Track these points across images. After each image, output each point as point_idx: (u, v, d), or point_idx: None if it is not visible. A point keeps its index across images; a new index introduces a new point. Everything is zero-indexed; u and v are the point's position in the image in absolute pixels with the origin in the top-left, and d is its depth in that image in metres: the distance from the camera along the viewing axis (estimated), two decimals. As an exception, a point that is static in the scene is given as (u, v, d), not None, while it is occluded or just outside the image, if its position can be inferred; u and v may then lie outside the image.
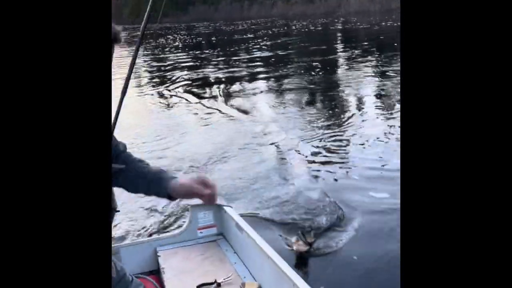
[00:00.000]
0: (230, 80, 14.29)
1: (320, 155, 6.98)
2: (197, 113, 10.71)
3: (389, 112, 9.15)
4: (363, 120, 8.59)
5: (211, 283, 2.56)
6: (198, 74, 16.17)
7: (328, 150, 7.10)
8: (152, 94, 13.73)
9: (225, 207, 3.08)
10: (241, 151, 7.41)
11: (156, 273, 2.68)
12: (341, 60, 16.66)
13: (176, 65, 18.65)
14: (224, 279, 2.58)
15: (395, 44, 18.63)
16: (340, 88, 12.08)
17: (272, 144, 7.70)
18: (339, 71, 14.65)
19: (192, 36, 25.17)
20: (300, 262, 3.76)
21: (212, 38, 23.47)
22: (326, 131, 8.14)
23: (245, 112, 10.26)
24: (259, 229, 3.72)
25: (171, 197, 1.97)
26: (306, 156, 6.92)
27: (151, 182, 1.90)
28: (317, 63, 15.93)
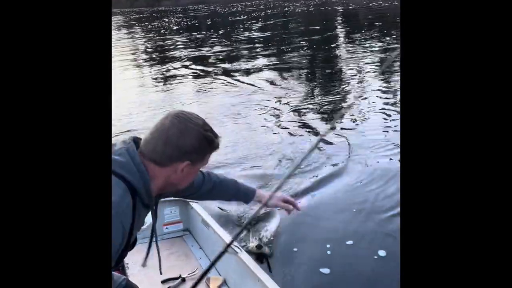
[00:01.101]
0: (229, 58, 14.41)
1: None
2: (197, 88, 11.25)
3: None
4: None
5: (176, 278, 2.62)
6: (196, 53, 16.15)
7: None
8: (151, 72, 14.11)
9: (191, 203, 3.11)
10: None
11: (120, 268, 2.66)
12: (339, 39, 16.58)
13: (173, 45, 18.55)
14: (189, 274, 2.65)
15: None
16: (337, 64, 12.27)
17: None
18: (336, 48, 14.61)
19: (188, 19, 24.91)
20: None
21: (207, 20, 23.27)
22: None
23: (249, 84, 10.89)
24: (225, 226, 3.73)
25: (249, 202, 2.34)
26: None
27: (237, 192, 2.28)
28: (312, 42, 15.87)
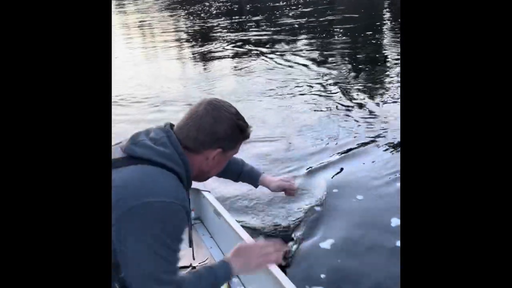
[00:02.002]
0: (268, 42, 14.39)
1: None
2: (235, 65, 11.52)
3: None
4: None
5: (187, 267, 2.58)
6: (236, 36, 16.20)
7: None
8: (192, 52, 14.34)
9: (203, 192, 3.09)
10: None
11: None
12: (383, 26, 16.58)
13: (213, 28, 18.55)
14: (199, 263, 2.62)
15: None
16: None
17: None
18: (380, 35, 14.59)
19: (228, 3, 24.76)
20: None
21: (248, 6, 23.13)
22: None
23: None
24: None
25: (257, 186, 2.38)
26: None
27: (244, 172, 2.31)
28: (354, 28, 15.79)
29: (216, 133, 1.70)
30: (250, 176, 2.33)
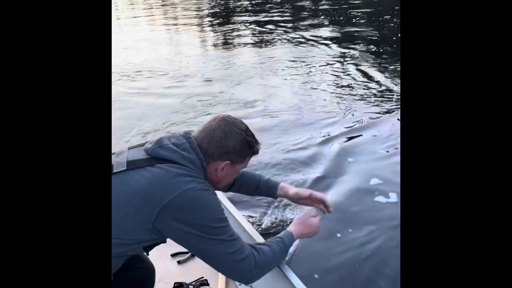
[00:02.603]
0: (291, 24, 15.07)
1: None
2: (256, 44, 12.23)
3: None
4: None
5: (185, 253, 2.64)
6: (258, 18, 16.75)
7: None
8: (213, 31, 15.10)
9: None
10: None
11: None
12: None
13: (236, 10, 19.03)
14: None
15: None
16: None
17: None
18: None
19: None
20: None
21: None
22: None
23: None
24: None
25: (275, 196, 2.41)
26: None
27: (261, 184, 2.35)
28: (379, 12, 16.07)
29: (226, 146, 1.84)
30: (268, 187, 2.39)
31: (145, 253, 2.01)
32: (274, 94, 7.59)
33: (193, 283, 2.39)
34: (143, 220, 1.63)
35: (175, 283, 2.40)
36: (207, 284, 2.35)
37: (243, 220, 2.40)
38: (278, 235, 1.98)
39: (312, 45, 11.45)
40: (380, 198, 4.12)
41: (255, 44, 12.02)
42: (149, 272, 2.22)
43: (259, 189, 2.35)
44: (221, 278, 2.36)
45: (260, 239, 2.26)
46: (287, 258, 2.20)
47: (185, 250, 2.61)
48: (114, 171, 1.72)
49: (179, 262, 2.63)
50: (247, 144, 1.89)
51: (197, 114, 6.86)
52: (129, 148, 1.86)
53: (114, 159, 1.77)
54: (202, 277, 2.42)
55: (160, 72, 9.67)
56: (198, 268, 2.53)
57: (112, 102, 7.19)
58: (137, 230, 1.66)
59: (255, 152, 1.95)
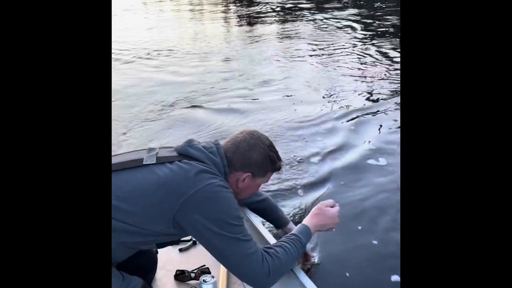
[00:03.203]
0: (316, 7, 15.56)
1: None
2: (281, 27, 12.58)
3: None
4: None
5: (187, 240, 2.69)
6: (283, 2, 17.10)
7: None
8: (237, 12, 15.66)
9: None
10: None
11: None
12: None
13: None
14: None
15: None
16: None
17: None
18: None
19: None
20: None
21: None
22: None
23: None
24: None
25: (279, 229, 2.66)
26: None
27: (275, 219, 2.58)
28: None
29: (249, 158, 1.95)
30: (279, 220, 2.61)
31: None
32: (294, 74, 7.76)
33: (194, 271, 2.42)
34: (165, 210, 1.72)
35: (177, 270, 2.43)
36: (209, 272, 2.37)
37: (257, 222, 2.43)
38: (293, 232, 2.01)
39: (337, 26, 11.77)
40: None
41: (278, 24, 12.38)
42: (151, 259, 2.31)
43: (272, 219, 2.51)
44: (223, 267, 2.37)
45: (273, 240, 2.24)
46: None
47: (187, 238, 2.66)
48: (144, 163, 1.81)
49: (180, 250, 2.66)
50: (270, 159, 1.98)
51: (214, 90, 7.10)
52: (160, 148, 1.95)
53: (145, 155, 1.87)
54: (204, 265, 2.45)
55: (183, 51, 10.01)
56: (199, 256, 2.56)
57: (133, 77, 8.00)
58: (157, 221, 1.74)
59: (277, 168, 2.05)
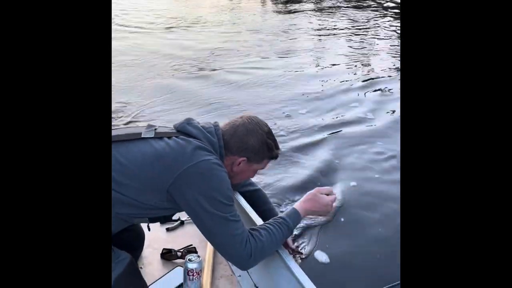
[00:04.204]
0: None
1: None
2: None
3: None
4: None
5: (175, 220, 2.68)
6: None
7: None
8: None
9: None
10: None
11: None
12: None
13: None
14: (188, 217, 2.47)
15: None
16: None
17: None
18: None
19: None
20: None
21: None
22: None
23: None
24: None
25: None
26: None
27: (265, 210, 2.44)
28: None
29: (245, 143, 1.95)
30: (269, 216, 2.44)
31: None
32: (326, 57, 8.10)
33: (181, 250, 2.43)
34: (160, 183, 1.74)
35: (163, 249, 2.45)
36: (195, 252, 2.40)
37: (246, 204, 2.42)
38: (282, 214, 2.01)
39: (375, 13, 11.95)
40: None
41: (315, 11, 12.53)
42: (138, 235, 2.34)
43: (262, 213, 2.39)
44: (210, 247, 2.41)
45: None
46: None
47: (175, 218, 2.64)
48: (142, 136, 1.83)
49: (168, 230, 2.68)
50: (267, 145, 1.98)
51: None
52: (160, 126, 1.95)
53: (144, 130, 1.88)
54: (191, 245, 2.47)
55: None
56: (186, 236, 2.58)
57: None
58: (151, 193, 1.77)
59: (274, 156, 2.05)
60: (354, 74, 6.95)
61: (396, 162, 4.11)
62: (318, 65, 7.52)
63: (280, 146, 2.11)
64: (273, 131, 2.07)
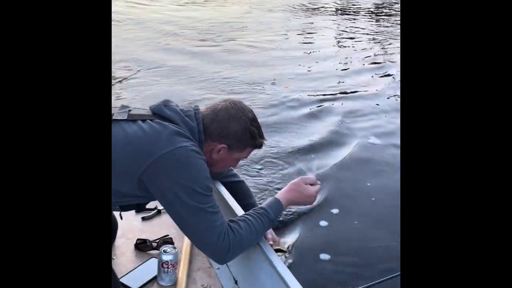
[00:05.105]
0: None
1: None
2: None
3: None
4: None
5: (151, 209, 2.63)
6: None
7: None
8: None
9: None
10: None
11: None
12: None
13: None
14: None
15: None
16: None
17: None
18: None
19: None
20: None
21: None
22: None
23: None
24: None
25: None
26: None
27: (247, 205, 2.27)
28: None
29: (226, 128, 1.81)
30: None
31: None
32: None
33: (156, 241, 2.37)
34: (131, 170, 1.64)
35: (137, 239, 2.38)
36: (172, 243, 2.34)
37: (227, 194, 2.35)
38: (263, 205, 1.90)
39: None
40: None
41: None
42: (111, 225, 2.20)
43: (245, 205, 2.27)
44: (187, 238, 2.34)
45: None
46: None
47: (151, 206, 2.59)
48: (113, 118, 1.71)
49: (143, 219, 2.60)
50: (250, 133, 1.85)
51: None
52: (135, 108, 1.84)
53: (117, 111, 1.77)
54: (167, 235, 2.41)
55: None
56: (163, 226, 2.52)
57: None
58: (122, 180, 1.65)
59: (258, 145, 1.92)
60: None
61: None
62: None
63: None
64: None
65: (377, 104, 5.87)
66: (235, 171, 2.45)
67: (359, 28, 11.01)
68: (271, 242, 2.14)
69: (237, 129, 1.82)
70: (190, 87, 6.07)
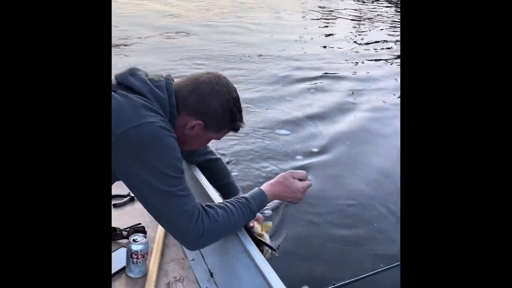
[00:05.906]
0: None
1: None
2: None
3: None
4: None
5: (123, 196, 2.53)
6: None
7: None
8: None
9: None
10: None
11: None
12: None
13: None
14: None
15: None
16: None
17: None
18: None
19: None
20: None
21: None
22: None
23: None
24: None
25: None
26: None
27: (224, 184, 2.21)
28: None
29: (207, 105, 1.65)
30: (229, 191, 2.23)
31: None
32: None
33: (127, 229, 2.26)
34: None
35: (107, 227, 2.30)
36: (144, 232, 2.24)
37: (203, 178, 2.26)
38: (246, 194, 1.79)
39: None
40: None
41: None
42: None
43: (222, 186, 2.19)
44: (161, 227, 2.29)
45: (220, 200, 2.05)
46: (267, 212, 2.02)
47: (124, 193, 2.51)
48: None
49: (115, 206, 2.49)
50: (231, 114, 1.72)
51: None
52: None
53: None
54: (139, 224, 2.30)
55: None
56: (136, 214, 2.39)
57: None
58: None
59: (235, 128, 1.78)
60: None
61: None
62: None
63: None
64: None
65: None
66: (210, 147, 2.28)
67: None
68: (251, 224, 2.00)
69: (218, 106, 1.67)
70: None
